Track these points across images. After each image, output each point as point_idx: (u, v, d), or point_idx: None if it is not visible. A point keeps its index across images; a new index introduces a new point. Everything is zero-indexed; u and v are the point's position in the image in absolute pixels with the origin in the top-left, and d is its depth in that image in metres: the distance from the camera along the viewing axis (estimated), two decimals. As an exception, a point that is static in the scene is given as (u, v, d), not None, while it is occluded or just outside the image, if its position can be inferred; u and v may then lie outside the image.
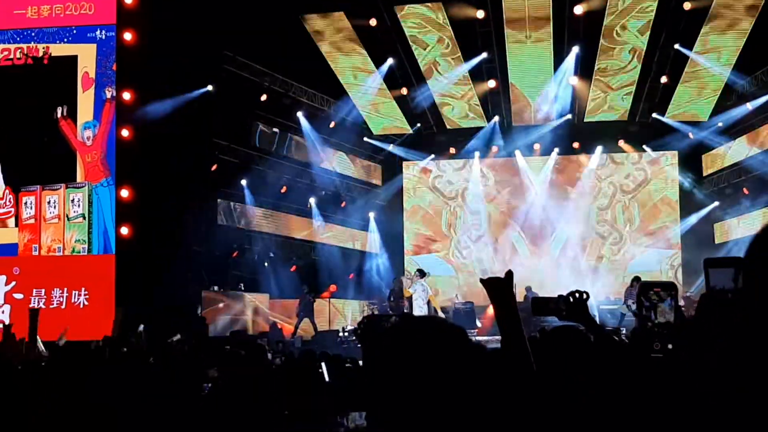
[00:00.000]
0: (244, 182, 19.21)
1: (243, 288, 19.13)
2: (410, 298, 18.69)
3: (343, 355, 8.38)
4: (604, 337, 3.60)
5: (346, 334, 18.49)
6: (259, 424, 4.59)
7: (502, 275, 2.71)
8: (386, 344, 2.07)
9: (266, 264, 19.55)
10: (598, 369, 3.22)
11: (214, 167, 18.12)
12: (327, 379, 5.93)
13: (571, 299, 3.52)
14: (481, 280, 2.87)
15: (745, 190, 20.13)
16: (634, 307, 18.46)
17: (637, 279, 19.33)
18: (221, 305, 18.09)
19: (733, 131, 20.74)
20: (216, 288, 18.21)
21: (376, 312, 21.28)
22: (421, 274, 18.94)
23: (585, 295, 3.54)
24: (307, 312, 18.92)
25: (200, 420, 4.66)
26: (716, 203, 21.26)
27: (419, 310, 17.56)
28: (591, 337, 3.51)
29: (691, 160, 22.31)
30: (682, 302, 14.27)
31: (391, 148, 22.74)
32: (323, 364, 6.02)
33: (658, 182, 23.01)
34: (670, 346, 2.47)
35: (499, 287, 2.76)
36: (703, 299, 2.80)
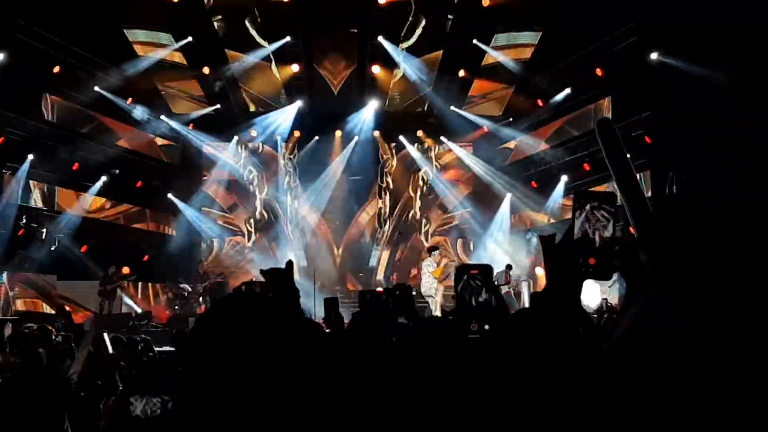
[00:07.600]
0: (31, 157, 18.05)
1: (30, 268, 18.21)
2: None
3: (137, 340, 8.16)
4: (425, 325, 3.72)
5: (139, 317, 18.02)
6: (49, 404, 4.40)
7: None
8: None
9: (55, 244, 18.61)
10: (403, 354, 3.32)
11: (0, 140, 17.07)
12: (111, 351, 5.82)
13: (398, 292, 3.65)
14: (262, 271, 2.94)
15: (534, 184, 21.07)
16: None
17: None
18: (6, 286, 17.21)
19: (524, 126, 21.60)
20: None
21: (170, 295, 20.82)
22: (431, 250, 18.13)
23: (409, 288, 3.70)
24: (110, 294, 18.42)
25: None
26: (509, 194, 22.02)
27: (427, 287, 16.35)
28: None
29: (486, 152, 23.02)
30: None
31: (190, 128, 22.19)
32: (105, 335, 5.89)
33: (453, 173, 23.72)
34: (487, 327, 2.53)
35: (277, 278, 2.80)
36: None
